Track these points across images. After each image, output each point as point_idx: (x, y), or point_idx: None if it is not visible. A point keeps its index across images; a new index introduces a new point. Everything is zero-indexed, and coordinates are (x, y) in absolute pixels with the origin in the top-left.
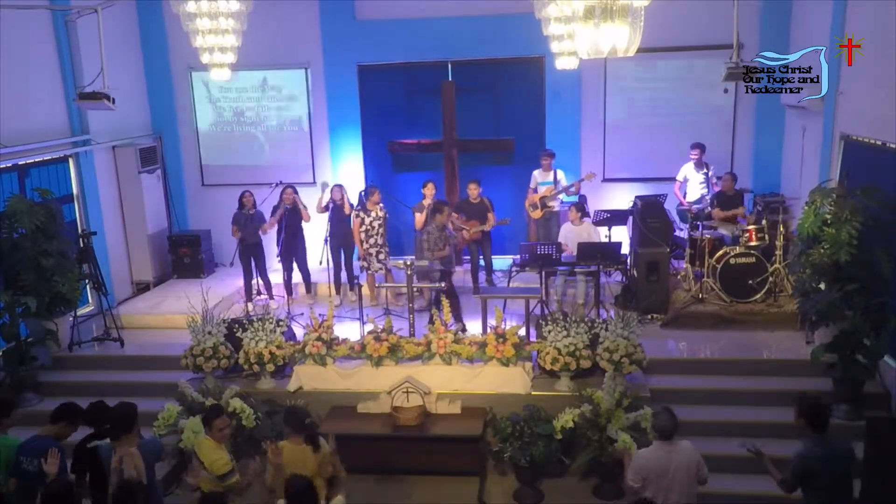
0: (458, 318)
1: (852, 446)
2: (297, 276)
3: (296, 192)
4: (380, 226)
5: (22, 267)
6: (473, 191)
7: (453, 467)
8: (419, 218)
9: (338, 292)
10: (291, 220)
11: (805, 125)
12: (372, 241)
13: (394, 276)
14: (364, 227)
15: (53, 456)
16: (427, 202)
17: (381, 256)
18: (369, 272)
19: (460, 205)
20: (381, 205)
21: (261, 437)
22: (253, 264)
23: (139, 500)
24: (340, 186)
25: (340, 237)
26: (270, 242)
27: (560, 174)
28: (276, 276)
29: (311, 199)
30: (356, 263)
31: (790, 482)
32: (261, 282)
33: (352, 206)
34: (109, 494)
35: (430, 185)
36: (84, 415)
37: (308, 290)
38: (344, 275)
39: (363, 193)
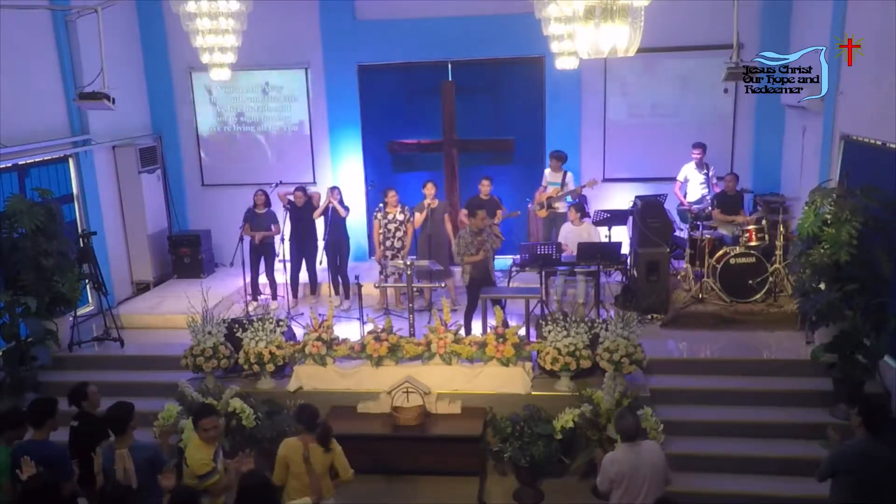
0: (467, 325)
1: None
2: (303, 276)
3: (339, 192)
4: (396, 229)
5: (22, 267)
6: (486, 187)
7: (453, 467)
8: (418, 217)
9: (337, 293)
10: (303, 220)
11: (805, 125)
12: (388, 243)
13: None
14: (381, 230)
15: (27, 465)
16: (426, 202)
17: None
18: (382, 275)
19: (470, 202)
20: (403, 206)
21: (261, 437)
22: (263, 263)
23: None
24: (336, 188)
25: (335, 240)
26: (277, 243)
27: (569, 176)
28: (280, 276)
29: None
30: (351, 266)
31: (821, 470)
32: (266, 281)
33: (346, 208)
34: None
35: (431, 185)
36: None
37: (313, 290)
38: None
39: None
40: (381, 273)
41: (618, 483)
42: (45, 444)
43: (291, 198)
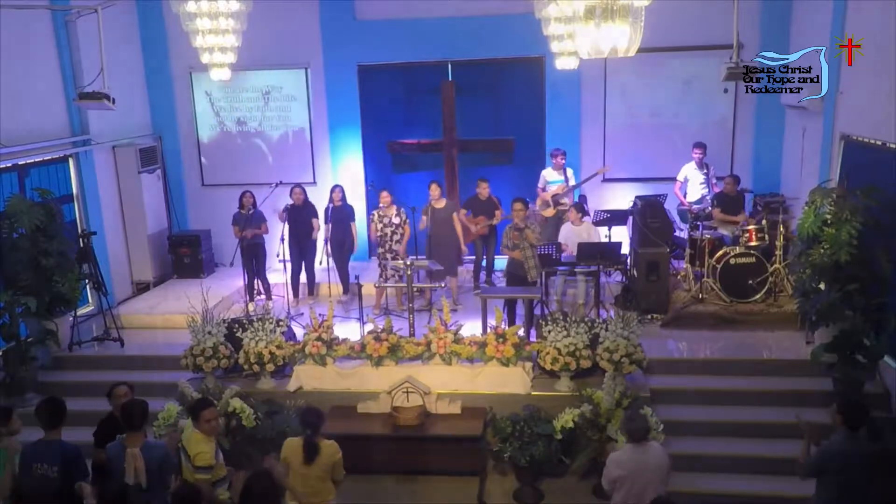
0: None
1: (875, 450)
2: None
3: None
4: (392, 232)
5: (22, 267)
6: (484, 190)
7: (453, 467)
8: (424, 220)
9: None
10: (302, 220)
11: (805, 125)
12: (387, 246)
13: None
14: (378, 233)
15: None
16: (432, 203)
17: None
18: (382, 277)
19: (469, 202)
20: (398, 208)
21: (261, 437)
22: (254, 264)
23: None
24: (339, 187)
25: (338, 238)
26: (270, 243)
27: (570, 172)
28: (274, 276)
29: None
30: (351, 266)
31: (806, 468)
32: (259, 282)
33: (349, 208)
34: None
35: (435, 186)
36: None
37: (311, 291)
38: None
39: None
40: (381, 275)
41: (620, 483)
42: (60, 444)
43: (290, 204)
